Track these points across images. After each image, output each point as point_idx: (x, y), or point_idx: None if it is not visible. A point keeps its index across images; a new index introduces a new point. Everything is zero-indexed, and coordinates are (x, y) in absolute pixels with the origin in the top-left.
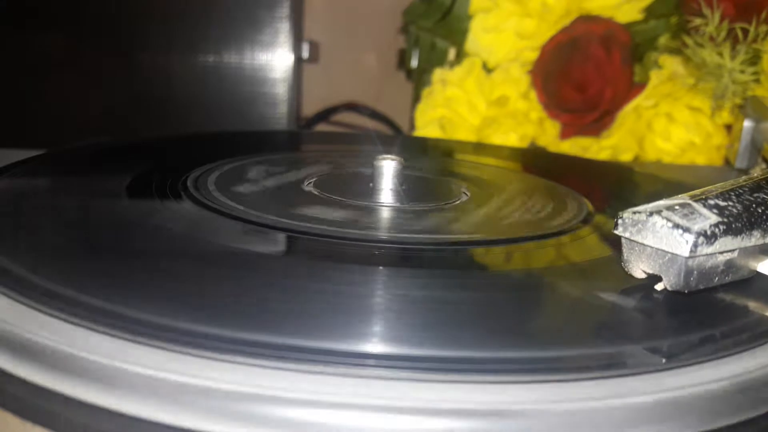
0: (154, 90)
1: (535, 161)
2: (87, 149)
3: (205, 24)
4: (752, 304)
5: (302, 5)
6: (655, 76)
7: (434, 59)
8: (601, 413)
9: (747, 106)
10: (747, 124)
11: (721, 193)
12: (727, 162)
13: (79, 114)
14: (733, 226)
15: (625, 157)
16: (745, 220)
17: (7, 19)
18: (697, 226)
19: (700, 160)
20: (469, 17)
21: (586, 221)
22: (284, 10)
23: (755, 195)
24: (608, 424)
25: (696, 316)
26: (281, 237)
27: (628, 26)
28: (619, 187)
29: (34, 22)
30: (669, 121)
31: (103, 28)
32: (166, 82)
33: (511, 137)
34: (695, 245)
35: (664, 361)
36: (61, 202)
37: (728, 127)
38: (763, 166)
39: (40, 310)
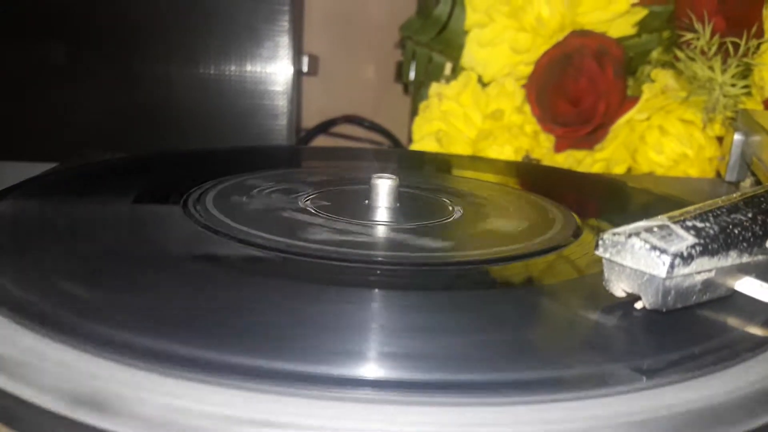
0: (154, 102)
1: (528, 176)
2: (85, 168)
3: (206, 37)
4: (730, 322)
5: (302, 19)
6: (647, 90)
7: (431, 73)
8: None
9: (738, 120)
10: (737, 137)
11: (699, 215)
12: (719, 174)
13: (78, 126)
14: (710, 247)
15: (619, 169)
16: (721, 241)
17: (7, 30)
18: (673, 248)
19: (693, 172)
20: (464, 32)
21: (575, 237)
22: (284, 24)
23: (732, 216)
24: None
25: (675, 334)
26: (273, 257)
27: (621, 41)
28: (610, 201)
29: (35, 33)
30: (661, 134)
31: (104, 40)
32: (167, 94)
33: (506, 150)
34: (672, 266)
35: (644, 379)
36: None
37: (720, 140)
38: (753, 179)
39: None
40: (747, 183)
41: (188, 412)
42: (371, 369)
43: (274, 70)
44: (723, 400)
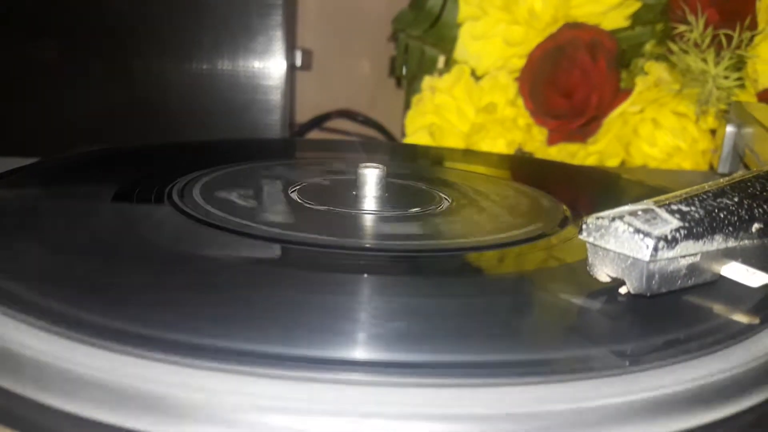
0: (147, 98)
1: (519, 168)
2: (73, 159)
3: (199, 32)
4: (716, 308)
5: (295, 13)
6: (641, 82)
7: (424, 67)
8: (566, 416)
9: (731, 112)
10: (729, 129)
11: (685, 199)
12: (712, 166)
13: (72, 121)
14: (695, 230)
15: (612, 162)
16: (706, 224)
17: (1, 26)
18: (657, 231)
19: (686, 164)
20: (457, 25)
21: (562, 226)
22: (277, 18)
23: (718, 200)
24: (572, 426)
25: (659, 319)
26: (261, 245)
27: (615, 33)
28: (601, 192)
29: (28, 29)
30: (655, 127)
31: (98, 36)
32: (160, 89)
33: (499, 143)
34: (655, 249)
35: (627, 363)
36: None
37: (713, 132)
38: (745, 171)
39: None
40: (738, 174)
41: (188, 399)
42: (357, 351)
43: (268, 64)
44: (707, 385)
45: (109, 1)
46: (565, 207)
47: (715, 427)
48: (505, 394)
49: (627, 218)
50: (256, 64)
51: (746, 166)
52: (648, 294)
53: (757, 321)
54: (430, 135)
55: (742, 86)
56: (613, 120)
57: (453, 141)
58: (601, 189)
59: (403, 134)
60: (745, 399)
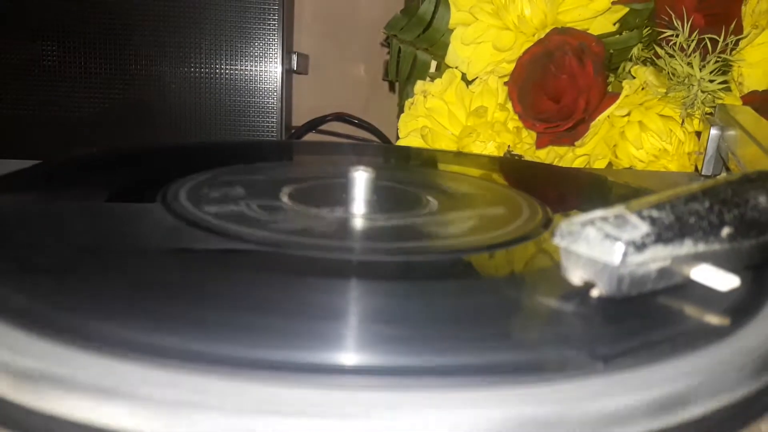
0: (145, 100)
1: (507, 170)
2: (69, 163)
3: (197, 36)
4: (686, 310)
5: (292, 17)
6: (627, 86)
7: (416, 71)
8: (540, 418)
9: (715, 115)
10: (713, 132)
11: (657, 204)
12: (698, 168)
13: (71, 124)
14: (664, 235)
15: (600, 164)
16: (677, 229)
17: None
18: (627, 236)
19: (673, 166)
20: (448, 30)
21: (544, 229)
22: (274, 23)
23: (689, 205)
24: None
25: (630, 321)
26: (246, 248)
27: (602, 37)
28: (585, 194)
29: (27, 31)
30: (641, 129)
31: (96, 38)
32: (158, 92)
33: (489, 146)
34: (625, 254)
35: (601, 364)
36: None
37: (699, 135)
38: (727, 173)
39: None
40: (722, 176)
41: (178, 402)
42: (342, 356)
43: (264, 68)
44: (677, 388)
45: (108, 5)
46: (548, 209)
47: (686, 429)
48: (476, 396)
49: (598, 223)
50: (253, 68)
51: (728, 169)
52: (619, 296)
53: (727, 323)
54: (423, 138)
55: (728, 89)
56: (600, 123)
57: (445, 144)
58: (586, 190)
59: (398, 137)
60: (709, 402)
